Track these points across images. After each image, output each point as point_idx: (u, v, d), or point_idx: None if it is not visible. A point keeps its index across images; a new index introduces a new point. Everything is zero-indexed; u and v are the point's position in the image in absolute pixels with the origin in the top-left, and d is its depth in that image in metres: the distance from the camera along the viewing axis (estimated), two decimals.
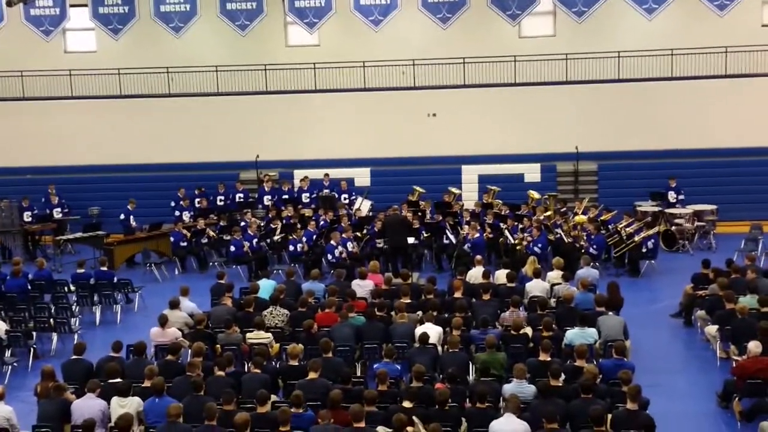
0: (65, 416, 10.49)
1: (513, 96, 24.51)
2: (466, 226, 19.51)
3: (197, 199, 23.10)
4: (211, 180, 24.32)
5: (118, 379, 11.01)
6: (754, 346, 11.62)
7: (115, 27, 23.65)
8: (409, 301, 14.15)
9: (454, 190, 22.62)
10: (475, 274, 15.66)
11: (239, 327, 13.28)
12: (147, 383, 10.89)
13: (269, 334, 13.07)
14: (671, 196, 22.65)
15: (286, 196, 23.17)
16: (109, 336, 14.20)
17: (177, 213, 22.69)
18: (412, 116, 25.34)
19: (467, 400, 10.57)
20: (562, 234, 19.26)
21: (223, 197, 23.76)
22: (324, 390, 10.57)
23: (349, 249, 18.98)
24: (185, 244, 20.95)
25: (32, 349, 14.58)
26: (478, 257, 16.76)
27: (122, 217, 22.18)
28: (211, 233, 21.27)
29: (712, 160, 24.40)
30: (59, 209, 23.63)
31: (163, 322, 13.25)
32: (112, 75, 24.64)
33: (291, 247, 19.58)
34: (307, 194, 23.38)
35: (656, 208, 22.17)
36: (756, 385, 11.35)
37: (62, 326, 15.26)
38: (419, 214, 20.55)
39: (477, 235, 18.94)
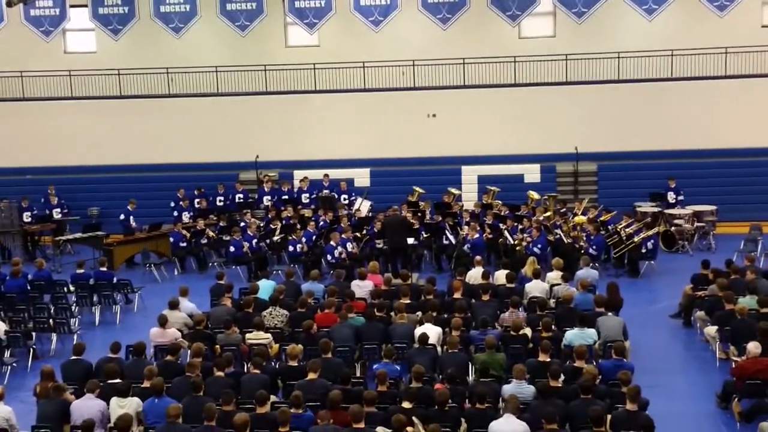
0: (64, 417, 10.49)
1: (513, 96, 24.50)
2: (466, 227, 19.50)
3: (197, 200, 23.09)
4: (210, 180, 24.31)
5: (118, 380, 11.01)
6: (753, 347, 11.62)
7: (115, 27, 23.68)
8: (408, 301, 14.15)
9: (453, 190, 22.61)
10: (475, 275, 15.65)
11: (239, 327, 13.28)
12: (146, 384, 10.89)
13: (269, 335, 13.07)
14: (671, 196, 22.65)
15: (286, 197, 23.16)
16: (108, 336, 14.20)
17: (176, 213, 22.69)
18: (411, 117, 25.34)
19: (467, 400, 10.57)
20: (562, 235, 19.26)
21: (222, 198, 23.76)
22: (323, 390, 10.56)
23: (349, 249, 18.98)
24: (185, 244, 20.94)
25: (32, 350, 14.58)
26: (478, 258, 16.75)
27: (122, 217, 22.18)
28: (211, 234, 21.27)
29: (711, 161, 24.41)
30: (59, 210, 23.62)
31: (163, 322, 13.26)
32: (111, 75, 24.65)
33: (290, 248, 19.57)
34: (307, 195, 23.38)
35: (656, 209, 22.18)
36: (755, 386, 11.35)
37: (62, 327, 15.26)
38: (419, 214, 20.55)
39: (476, 235, 18.94)
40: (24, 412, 11.22)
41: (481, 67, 23.68)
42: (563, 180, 24.93)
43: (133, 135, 26.00)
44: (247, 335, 13.09)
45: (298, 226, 20.21)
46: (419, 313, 13.70)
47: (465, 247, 18.85)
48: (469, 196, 23.70)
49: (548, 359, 11.48)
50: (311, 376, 10.95)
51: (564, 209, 21.23)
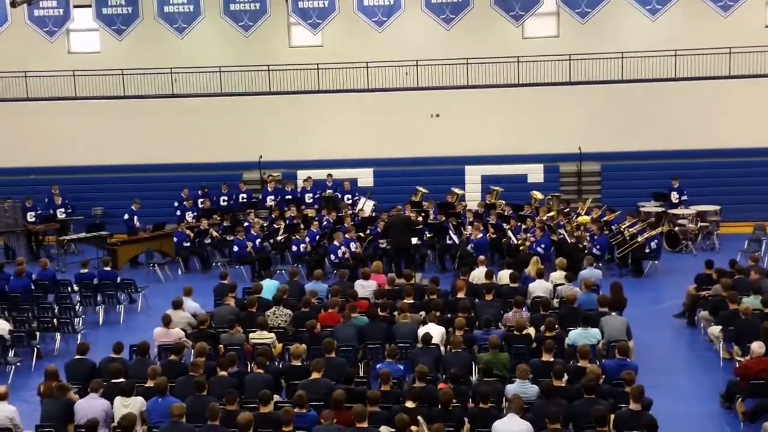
0: (68, 416, 10.50)
1: (516, 96, 24.49)
2: (469, 227, 19.50)
3: (200, 200, 23.13)
4: (214, 180, 24.34)
5: (121, 379, 11.02)
6: (757, 347, 11.61)
7: (118, 27, 23.75)
8: (412, 301, 14.15)
9: (457, 190, 22.62)
10: (478, 275, 15.65)
11: (242, 327, 13.29)
12: (150, 383, 10.90)
13: (272, 335, 13.08)
14: (674, 196, 22.63)
15: (289, 197, 23.18)
16: (112, 336, 14.23)
17: (180, 213, 22.75)
18: (415, 117, 25.33)
19: (470, 400, 10.56)
20: (565, 234, 19.25)
21: (226, 197, 23.78)
22: (327, 390, 10.57)
23: (352, 249, 18.99)
24: (188, 244, 20.96)
25: (35, 349, 14.60)
26: (481, 258, 16.76)
27: (126, 217, 22.22)
28: (215, 233, 21.29)
29: (715, 161, 24.38)
30: (63, 209, 23.67)
31: (167, 322, 13.27)
32: (115, 75, 24.68)
33: (294, 248, 19.58)
34: (310, 194, 23.39)
35: (659, 209, 22.17)
36: (759, 386, 11.33)
37: (65, 326, 15.29)
38: (422, 214, 20.55)
39: (480, 235, 18.94)
40: (28, 411, 11.23)
41: (485, 67, 23.67)
42: (566, 180, 24.92)
43: (136, 135, 26.03)
44: (251, 335, 13.10)
45: (302, 226, 20.22)
46: (423, 313, 13.67)
47: (468, 247, 18.86)
48: (472, 195, 23.75)
49: (552, 359, 11.47)
50: (315, 375, 10.96)
51: (567, 209, 21.23)
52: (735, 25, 22.56)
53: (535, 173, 24.69)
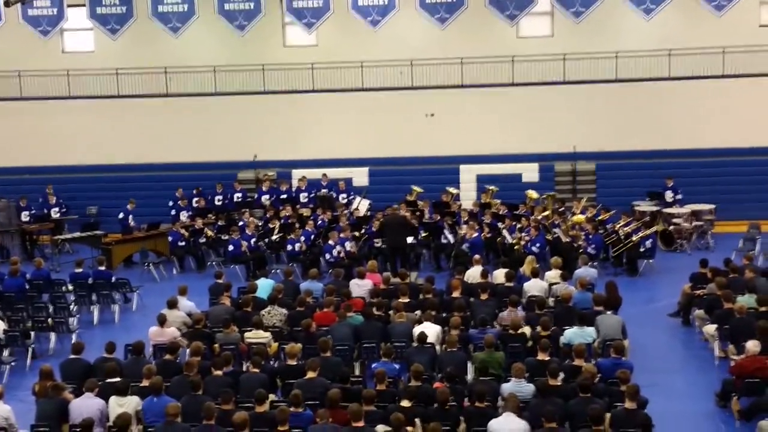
0: (63, 416, 10.48)
1: (511, 96, 24.52)
2: (465, 226, 19.50)
3: (195, 199, 23.08)
4: (209, 180, 24.30)
5: (117, 379, 10.99)
6: (752, 346, 11.64)
7: (113, 27, 23.68)
8: (407, 300, 14.16)
9: (452, 189, 22.62)
10: (474, 274, 15.66)
11: (237, 326, 13.26)
12: (145, 382, 10.88)
13: (267, 334, 13.07)
14: (668, 195, 22.64)
15: (285, 196, 23.15)
16: (107, 335, 14.19)
17: (175, 213, 22.70)
18: (410, 116, 25.33)
19: (466, 399, 10.56)
20: (560, 233, 19.26)
21: (221, 197, 23.74)
22: (322, 389, 10.55)
23: (348, 248, 18.99)
24: (183, 243, 20.93)
25: (30, 349, 14.56)
26: (477, 257, 16.76)
27: (121, 216, 22.16)
28: (209, 233, 21.25)
29: (710, 160, 24.43)
30: (57, 209, 23.61)
31: (162, 321, 13.25)
32: (109, 75, 24.64)
33: (289, 247, 19.56)
34: (306, 194, 23.36)
35: (654, 208, 22.19)
36: (754, 384, 11.36)
37: (60, 326, 15.24)
38: (417, 213, 20.55)
39: (475, 234, 18.95)
40: (23, 411, 11.19)
41: (479, 66, 23.69)
42: (561, 179, 24.94)
43: (131, 134, 25.98)
44: (246, 334, 13.08)
45: (297, 226, 20.20)
46: (418, 312, 13.70)
47: (464, 246, 18.86)
48: (467, 195, 23.72)
49: (547, 358, 11.48)
50: (310, 374, 10.95)
51: (562, 208, 21.22)
52: (729, 25, 22.61)
53: (529, 172, 24.69)
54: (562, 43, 23.99)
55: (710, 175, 24.06)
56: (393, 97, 24.52)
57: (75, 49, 26.21)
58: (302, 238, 19.54)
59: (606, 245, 19.43)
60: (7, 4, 21.79)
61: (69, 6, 23.63)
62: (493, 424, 9.71)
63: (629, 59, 23.29)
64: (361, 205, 22.03)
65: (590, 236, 18.87)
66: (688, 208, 21.83)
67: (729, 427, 11.48)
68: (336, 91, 24.22)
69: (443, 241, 19.90)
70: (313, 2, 22.83)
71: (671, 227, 21.18)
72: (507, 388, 10.72)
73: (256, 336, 12.91)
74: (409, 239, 19.25)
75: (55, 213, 23.48)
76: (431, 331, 12.58)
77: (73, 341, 13.39)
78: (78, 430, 9.87)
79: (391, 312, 13.70)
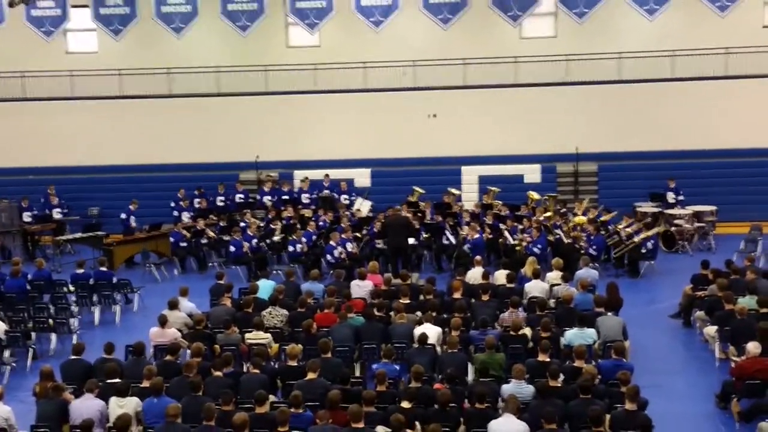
0: (64, 416, 10.49)
1: (513, 97, 24.49)
2: (466, 227, 19.51)
3: (197, 200, 23.12)
4: (211, 180, 24.33)
5: (117, 380, 11.00)
6: (752, 347, 11.62)
7: (116, 28, 23.71)
8: (408, 301, 14.16)
9: (453, 190, 22.63)
10: (475, 275, 15.65)
11: (238, 327, 13.27)
12: (146, 383, 10.88)
13: (268, 335, 13.07)
14: (670, 196, 22.65)
15: (286, 197, 23.18)
16: (108, 336, 14.17)
17: (176, 213, 22.73)
18: (412, 117, 25.33)
19: (466, 400, 10.56)
20: (562, 235, 19.26)
21: (223, 198, 23.77)
22: (323, 390, 10.55)
23: (349, 249, 18.99)
24: (185, 244, 20.95)
25: (31, 350, 14.58)
26: (478, 258, 16.76)
27: (123, 216, 22.18)
28: (211, 234, 21.27)
29: (712, 161, 24.40)
30: (59, 209, 23.67)
31: (163, 322, 13.25)
32: (113, 76, 24.65)
33: (290, 248, 19.57)
34: (307, 195, 23.39)
35: (656, 209, 22.18)
36: (754, 386, 11.33)
37: (61, 326, 15.26)
38: (419, 214, 20.55)
39: (476, 235, 18.95)
40: (23, 411, 11.20)
41: (482, 67, 23.65)
42: (563, 180, 24.94)
43: (133, 135, 26.02)
44: (247, 335, 13.09)
45: (298, 226, 20.22)
46: (419, 313, 13.70)
47: (465, 247, 18.86)
48: (469, 196, 23.76)
49: (548, 359, 11.47)
50: (311, 375, 10.95)
51: (564, 209, 21.25)
52: (732, 26, 22.58)
53: (531, 173, 24.70)
54: (565, 44, 23.96)
55: (712, 177, 24.03)
56: (395, 97, 24.51)
57: (78, 50, 26.26)
58: (304, 239, 19.55)
59: (607, 246, 19.41)
60: (10, 5, 21.81)
61: (72, 7, 23.69)
62: (493, 425, 9.70)
63: (632, 60, 23.24)
64: (363, 206, 22.05)
65: (592, 237, 18.87)
66: (689, 210, 21.82)
67: (729, 429, 11.45)
68: (338, 91, 24.22)
69: (444, 242, 19.91)
70: (316, 3, 22.85)
71: (673, 228, 21.16)
72: (507, 389, 10.71)
73: (256, 337, 12.91)
74: (411, 240, 19.25)
75: (56, 213, 23.54)
76: (432, 332, 12.58)
77: (73, 342, 13.40)
78: (78, 431, 9.87)
79: (391, 313, 13.69)
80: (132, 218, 22.17)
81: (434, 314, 13.31)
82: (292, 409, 9.96)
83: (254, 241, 19.93)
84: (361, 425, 9.53)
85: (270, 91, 24.42)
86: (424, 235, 20.16)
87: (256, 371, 11.34)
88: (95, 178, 25.81)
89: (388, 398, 10.53)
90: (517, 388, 10.65)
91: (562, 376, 10.84)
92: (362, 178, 25.00)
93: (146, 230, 21.32)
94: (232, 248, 19.75)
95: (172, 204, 23.03)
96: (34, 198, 23.52)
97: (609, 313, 13.40)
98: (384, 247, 19.35)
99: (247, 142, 25.43)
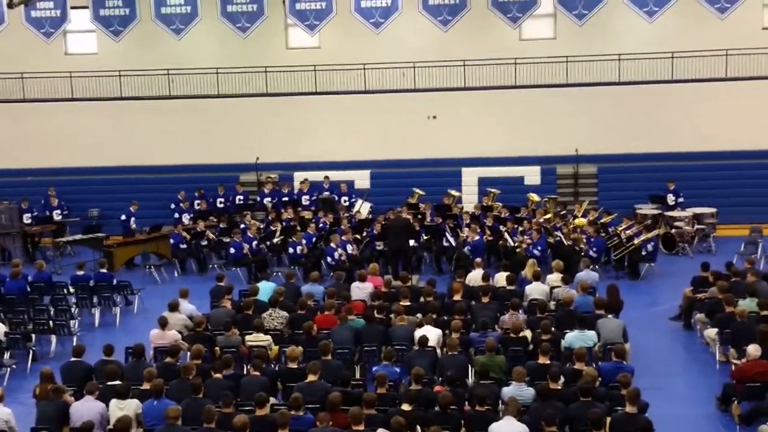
0: (64, 418, 10.47)
1: (513, 98, 24.52)
2: (466, 229, 19.50)
3: (197, 201, 23.12)
4: (211, 182, 24.34)
5: (117, 382, 10.99)
6: (753, 350, 11.61)
7: (116, 29, 23.70)
8: (408, 303, 14.15)
9: (453, 192, 22.63)
10: (475, 277, 15.64)
11: (238, 329, 13.25)
12: (146, 385, 10.86)
13: (268, 337, 13.06)
14: (670, 198, 22.64)
15: (286, 199, 23.17)
16: (108, 338, 14.18)
17: (177, 215, 22.73)
18: (412, 119, 25.35)
19: (466, 403, 10.55)
20: (562, 237, 19.25)
21: (222, 199, 23.77)
22: (323, 393, 10.54)
23: (349, 251, 18.97)
24: (185, 246, 20.93)
25: (31, 351, 14.56)
26: (478, 260, 16.73)
27: (123, 217, 22.16)
28: (211, 235, 21.26)
29: (712, 163, 24.43)
30: (59, 211, 23.66)
31: (163, 324, 13.24)
32: (112, 77, 24.66)
33: (291, 250, 19.55)
34: (307, 196, 23.38)
35: (656, 211, 22.18)
36: (755, 389, 11.33)
37: (61, 328, 15.24)
38: (419, 216, 20.54)
39: (477, 237, 18.95)
40: (23, 413, 11.20)
41: (482, 69, 23.68)
42: (563, 182, 24.95)
43: (133, 136, 26.03)
44: (247, 337, 13.07)
45: (299, 228, 20.22)
46: (419, 315, 13.68)
47: (465, 249, 18.85)
48: (469, 198, 23.76)
49: (548, 361, 11.46)
50: (311, 378, 10.94)
51: (564, 211, 21.23)
52: (732, 27, 22.58)
53: (532, 175, 24.70)
54: (565, 46, 23.97)
55: (712, 179, 24.05)
56: (395, 99, 24.53)
57: (78, 51, 26.30)
58: (304, 241, 19.54)
59: (608, 248, 19.40)
60: (10, 6, 21.83)
61: (72, 8, 23.66)
62: (493, 427, 9.69)
63: (632, 62, 23.27)
64: (363, 208, 22.05)
65: (592, 239, 18.87)
66: (690, 212, 21.81)
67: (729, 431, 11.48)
68: (338, 93, 24.28)
69: (445, 244, 19.90)
70: (315, 4, 22.84)
71: (673, 231, 21.16)
72: (507, 391, 10.70)
73: (257, 339, 12.90)
74: (411, 242, 19.24)
75: (56, 215, 23.52)
76: (432, 334, 12.56)
77: (73, 344, 13.38)
78: None
79: (392, 315, 13.68)
80: (132, 220, 22.16)
81: (434, 316, 13.30)
82: (293, 412, 9.95)
83: (254, 242, 19.91)
84: (361, 428, 9.54)
85: (270, 92, 24.44)
86: (425, 237, 20.16)
87: (257, 373, 11.31)
88: (95, 179, 25.83)
89: (388, 400, 10.51)
90: (518, 390, 10.64)
91: (562, 379, 10.84)
92: (362, 179, 24.98)
93: (146, 232, 21.30)
94: (232, 250, 19.74)
95: (172, 206, 23.03)
96: (34, 199, 23.52)
97: (609, 316, 13.40)
98: (384, 248, 19.35)
99: (246, 144, 25.44)
